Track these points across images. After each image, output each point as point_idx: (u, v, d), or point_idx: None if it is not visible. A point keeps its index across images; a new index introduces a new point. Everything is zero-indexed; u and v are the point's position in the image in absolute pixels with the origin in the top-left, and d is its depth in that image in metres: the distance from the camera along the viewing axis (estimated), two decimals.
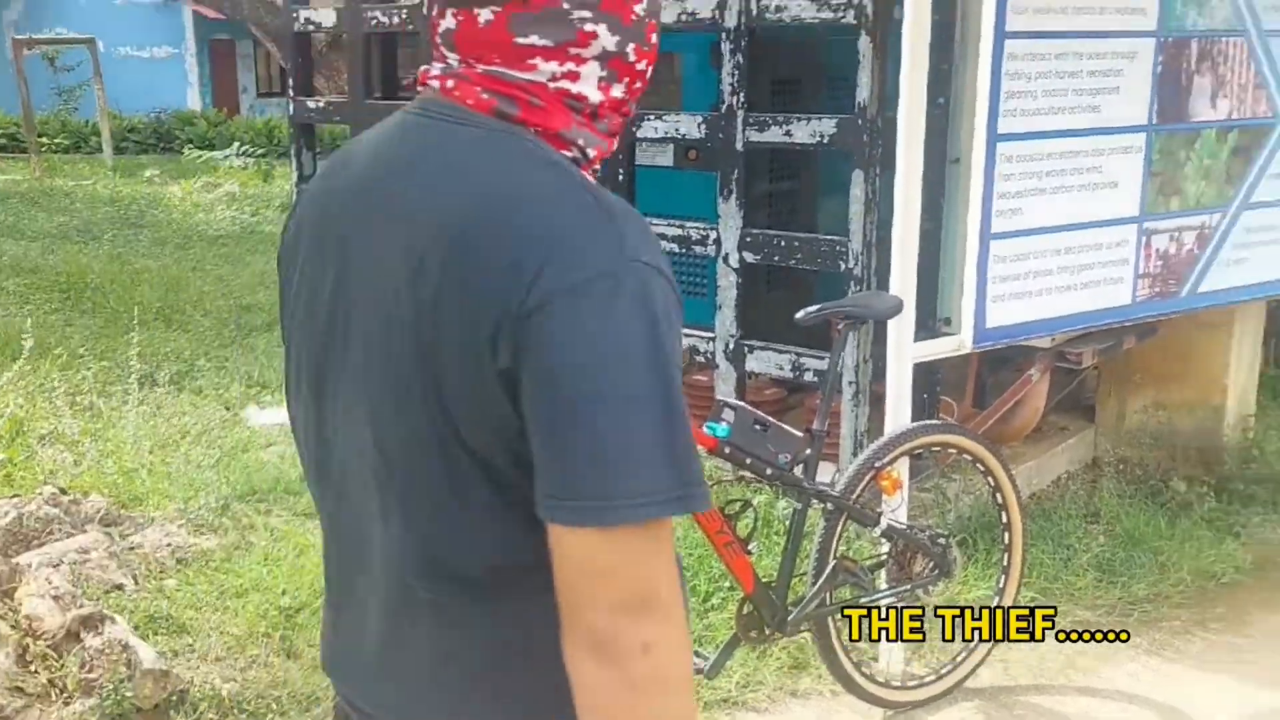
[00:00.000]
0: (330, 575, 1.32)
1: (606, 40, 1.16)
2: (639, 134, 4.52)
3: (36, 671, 2.97)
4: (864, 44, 3.92)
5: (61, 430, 5.37)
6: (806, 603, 3.11)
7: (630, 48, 1.18)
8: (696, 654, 3.16)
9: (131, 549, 3.90)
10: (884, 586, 3.32)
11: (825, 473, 3.62)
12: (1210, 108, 3.81)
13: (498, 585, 1.15)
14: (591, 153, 1.21)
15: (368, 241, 1.16)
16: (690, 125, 4.38)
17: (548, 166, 1.14)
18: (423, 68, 1.24)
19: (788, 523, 3.25)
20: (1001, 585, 3.53)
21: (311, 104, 5.57)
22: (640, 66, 1.21)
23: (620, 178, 4.58)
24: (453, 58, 1.18)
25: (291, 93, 5.63)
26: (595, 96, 1.18)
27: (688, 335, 4.57)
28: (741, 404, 3.01)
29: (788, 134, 4.14)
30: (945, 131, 3.95)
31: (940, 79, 4.10)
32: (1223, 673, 3.61)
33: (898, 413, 3.39)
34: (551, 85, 1.16)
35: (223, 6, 12.17)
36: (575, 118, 1.18)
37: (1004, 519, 3.51)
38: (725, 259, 4.36)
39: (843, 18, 3.92)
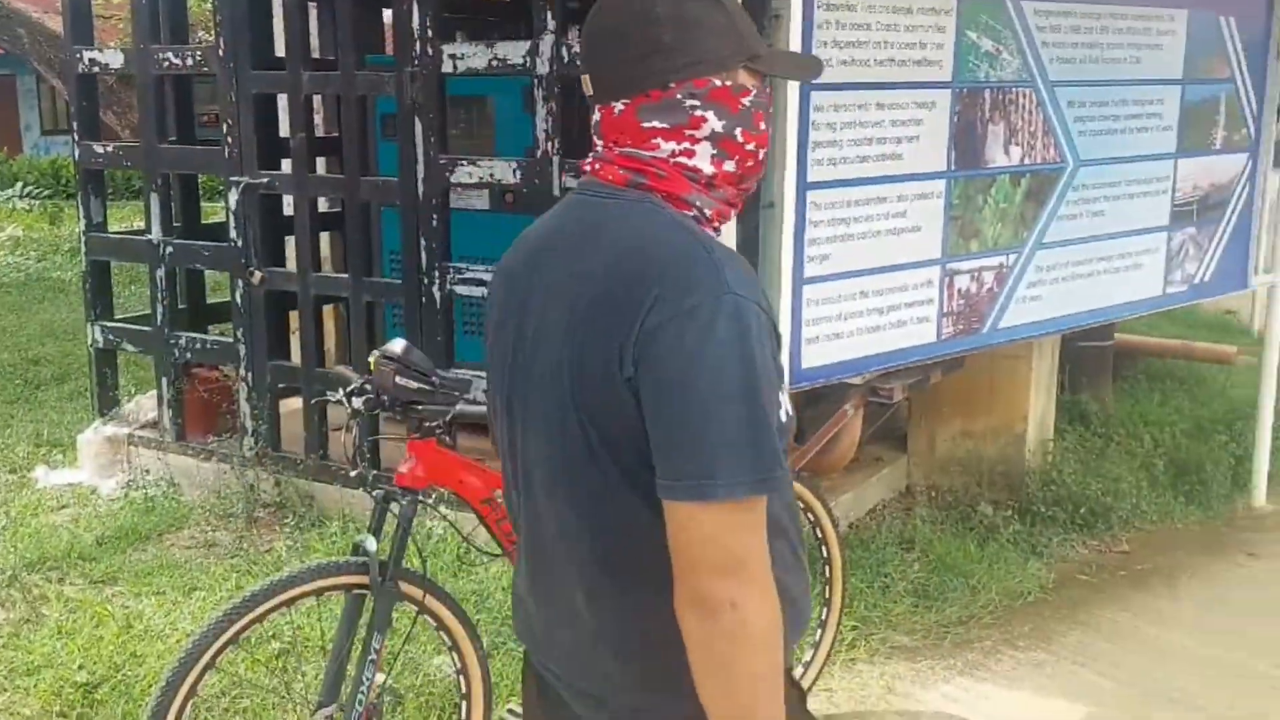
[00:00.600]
0: (523, 560, 1.59)
1: (715, 124, 1.45)
2: (453, 179, 4.45)
3: None
4: None
5: None
6: None
7: (738, 131, 1.46)
8: (510, 712, 3.08)
9: None
10: None
11: None
12: (1004, 154, 4.00)
13: (642, 561, 1.38)
14: (709, 213, 1.49)
15: (543, 296, 1.47)
16: (505, 171, 4.34)
17: (671, 225, 1.43)
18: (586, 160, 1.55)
19: None
20: (824, 617, 3.60)
21: (99, 149, 5.26)
22: (750, 147, 1.48)
23: (434, 222, 4.50)
24: (600, 144, 1.50)
25: (76, 137, 5.32)
26: (708, 169, 1.46)
27: None
28: None
29: None
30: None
31: None
32: (1028, 689, 3.77)
33: None
34: (671, 160, 1.45)
35: (0, 40, 11.45)
36: (693, 185, 1.46)
37: (824, 553, 3.59)
38: None
39: None
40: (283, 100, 5.08)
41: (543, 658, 1.57)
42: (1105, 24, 4.23)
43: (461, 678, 2.85)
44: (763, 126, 1.49)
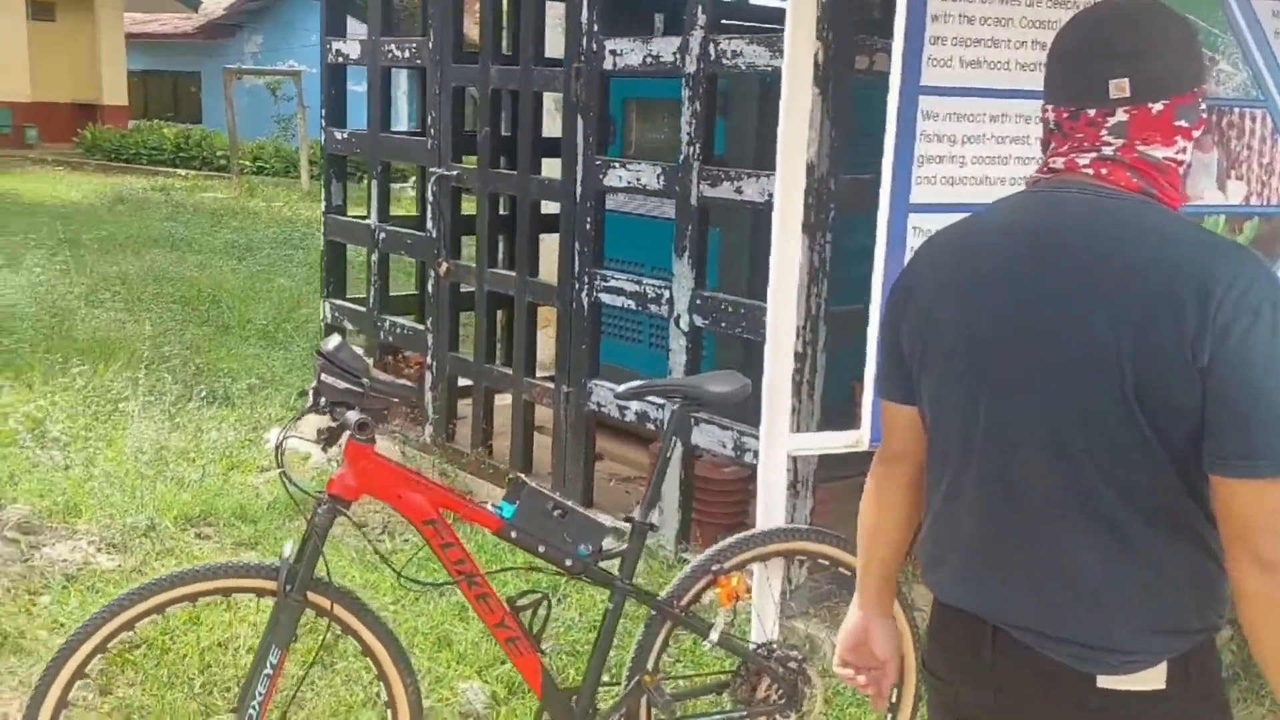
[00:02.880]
0: (964, 526, 1.71)
1: (1199, 130, 1.62)
2: (605, 181, 4.23)
3: None
4: (814, 97, 3.52)
5: (74, 431, 5.50)
6: (602, 717, 2.73)
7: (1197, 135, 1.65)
8: None
9: (26, 561, 3.86)
10: (720, 709, 2.90)
11: None
12: (1217, 189, 3.20)
13: (1160, 519, 1.55)
14: None
15: (1044, 281, 1.57)
16: (650, 176, 4.06)
17: (1195, 226, 1.59)
18: (1065, 158, 1.64)
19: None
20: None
21: (339, 135, 5.53)
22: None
23: (588, 225, 4.30)
24: (1116, 144, 1.60)
25: (324, 123, 5.61)
26: (1184, 169, 1.63)
27: (644, 402, 4.23)
28: (538, 487, 2.68)
29: (738, 190, 3.77)
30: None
31: None
32: None
33: (769, 511, 2.97)
34: (1176, 156, 1.61)
35: None
36: (1180, 199, 1.63)
37: None
38: (677, 321, 4.01)
39: None
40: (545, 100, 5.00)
41: (1006, 614, 1.66)
42: None
43: (389, 711, 2.63)
44: None
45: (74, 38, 24.13)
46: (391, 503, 2.60)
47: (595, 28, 4.16)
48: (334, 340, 2.48)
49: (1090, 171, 1.61)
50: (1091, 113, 1.61)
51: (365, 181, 5.55)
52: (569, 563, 2.69)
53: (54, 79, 23.26)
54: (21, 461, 4.97)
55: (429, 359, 5.15)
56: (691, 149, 3.88)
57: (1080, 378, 1.54)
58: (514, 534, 2.66)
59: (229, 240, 12.87)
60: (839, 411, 3.96)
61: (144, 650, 3.41)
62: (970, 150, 2.98)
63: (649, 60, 4.00)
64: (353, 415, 2.39)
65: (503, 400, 5.08)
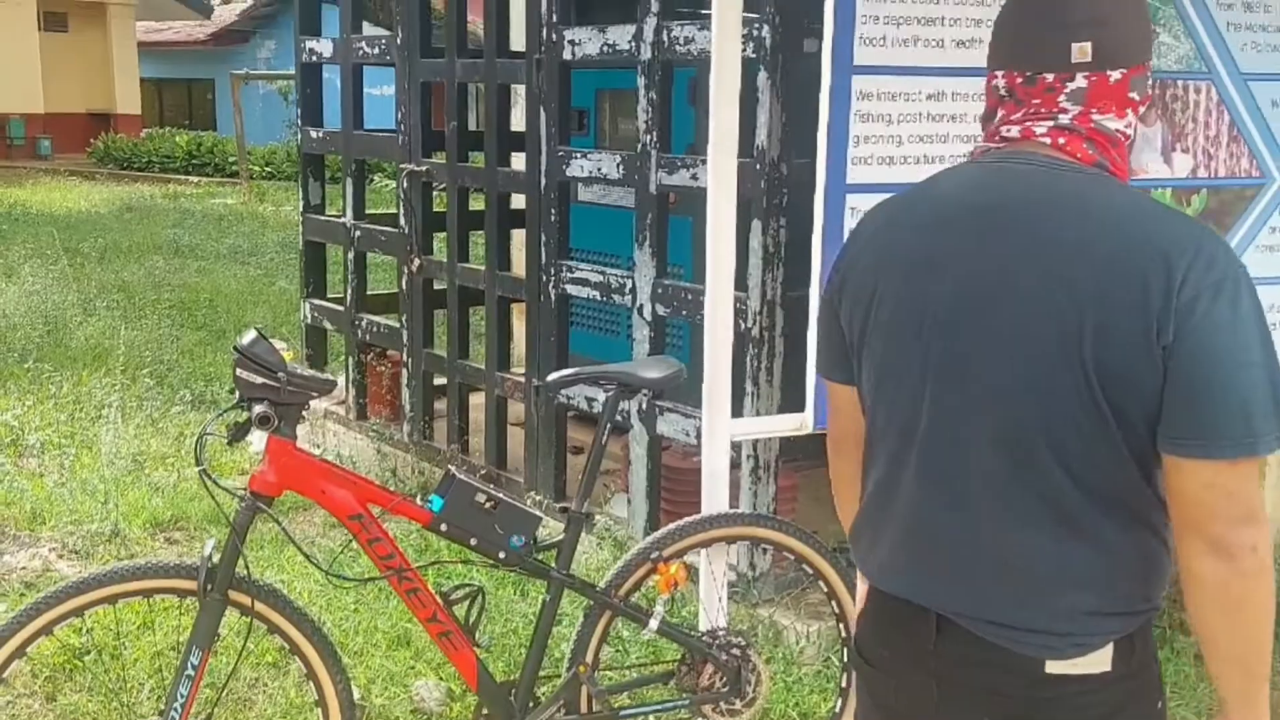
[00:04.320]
0: (903, 510, 1.64)
1: (1144, 104, 1.58)
2: (568, 172, 4.20)
3: None
4: (763, 80, 3.48)
5: (53, 440, 5.51)
6: (539, 710, 2.70)
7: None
8: None
9: None
10: (664, 698, 2.86)
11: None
12: (1163, 163, 3.14)
13: (1110, 502, 1.50)
14: None
15: (995, 258, 1.51)
16: (610, 165, 4.02)
17: (1153, 200, 1.56)
18: (1020, 126, 1.57)
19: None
20: (838, 709, 2.99)
21: (315, 134, 5.52)
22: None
23: (553, 216, 4.26)
24: (1073, 111, 1.55)
25: (299, 123, 5.60)
26: (1130, 144, 1.60)
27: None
28: (465, 478, 2.65)
29: (694, 177, 3.72)
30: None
31: None
32: None
33: (712, 497, 2.94)
34: (1125, 130, 1.57)
35: None
36: (1127, 172, 1.60)
37: (843, 632, 2.98)
38: (640, 310, 3.97)
39: (742, 49, 3.49)
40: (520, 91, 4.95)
41: (950, 602, 1.60)
42: None
43: (321, 710, 2.60)
44: None
45: (86, 47, 24.33)
46: (315, 498, 2.58)
47: (554, 18, 4.12)
48: (250, 335, 2.46)
49: (1048, 140, 1.55)
50: (1050, 77, 1.54)
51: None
52: (502, 555, 2.66)
53: (67, 89, 23.47)
54: None
55: (404, 356, 5.13)
56: (649, 137, 3.84)
57: (1036, 357, 1.48)
58: (444, 527, 2.63)
59: (233, 245, 12.91)
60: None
61: (94, 656, 3.40)
62: (907, 129, 2.93)
63: (606, 49, 3.96)
64: (258, 408, 2.36)
65: (480, 398, 5.05)
